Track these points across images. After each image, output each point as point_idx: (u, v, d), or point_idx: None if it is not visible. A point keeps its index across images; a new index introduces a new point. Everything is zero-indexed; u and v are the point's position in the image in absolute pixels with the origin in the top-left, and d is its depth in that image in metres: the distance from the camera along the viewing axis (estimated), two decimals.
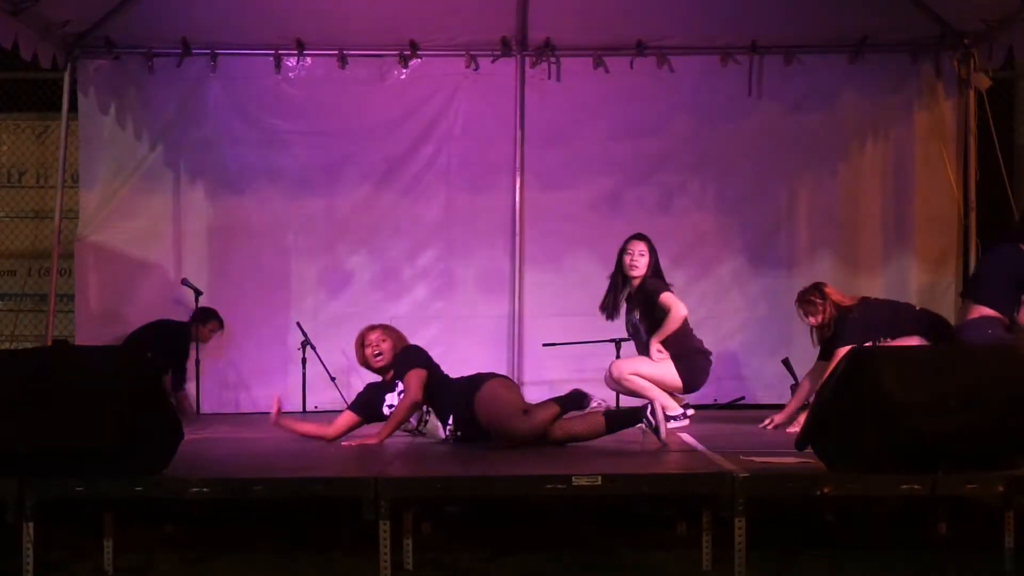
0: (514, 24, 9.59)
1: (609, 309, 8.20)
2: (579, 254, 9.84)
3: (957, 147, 9.73)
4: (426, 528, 5.98)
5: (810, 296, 7.70)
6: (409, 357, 7.15)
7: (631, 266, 8.01)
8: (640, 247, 8.03)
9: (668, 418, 7.47)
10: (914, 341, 7.43)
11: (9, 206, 10.93)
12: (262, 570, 5.67)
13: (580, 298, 9.52)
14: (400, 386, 7.04)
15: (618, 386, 8.02)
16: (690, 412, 7.92)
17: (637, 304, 8.03)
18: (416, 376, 7.00)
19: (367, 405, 7.18)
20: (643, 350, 7.99)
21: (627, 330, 8.21)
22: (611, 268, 9.40)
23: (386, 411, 7.08)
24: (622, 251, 8.09)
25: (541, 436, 6.77)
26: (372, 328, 7.26)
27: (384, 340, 7.16)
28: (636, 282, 8.04)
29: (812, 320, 7.67)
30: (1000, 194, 9.25)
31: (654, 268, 8.04)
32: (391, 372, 7.15)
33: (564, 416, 6.88)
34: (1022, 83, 10.50)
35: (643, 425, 6.73)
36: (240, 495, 5.55)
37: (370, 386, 7.28)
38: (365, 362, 7.22)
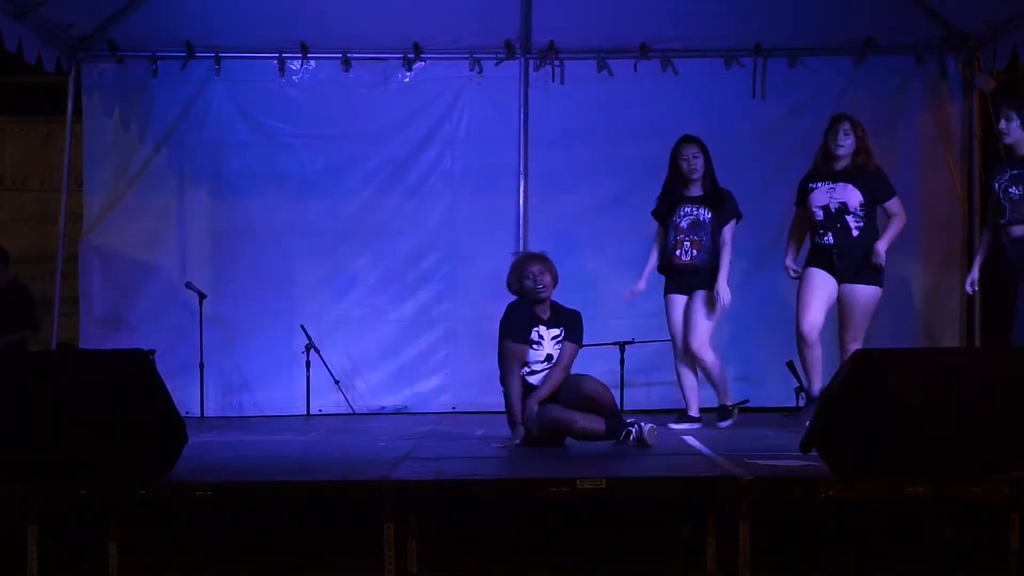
0: (518, 27, 9.59)
1: (663, 215, 8.24)
2: (584, 257, 9.83)
3: (961, 149, 9.73)
4: (431, 531, 5.98)
5: (855, 122, 7.76)
6: (579, 326, 7.35)
7: (690, 170, 8.06)
8: (693, 149, 8.08)
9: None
10: None
11: (14, 209, 10.94)
12: (267, 573, 5.66)
13: (585, 301, 9.48)
14: (558, 332, 7.24)
15: (694, 359, 8.14)
16: (697, 426, 8.11)
17: (707, 204, 8.08)
18: (575, 352, 7.29)
19: (525, 330, 7.25)
20: (701, 249, 8.05)
21: (678, 225, 8.11)
22: (616, 270, 9.48)
23: (534, 335, 7.20)
24: (675, 157, 8.13)
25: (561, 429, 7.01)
26: (532, 259, 7.33)
27: (545, 272, 7.24)
28: (698, 185, 8.11)
29: (842, 143, 7.68)
30: None
31: (712, 171, 8.13)
32: (549, 311, 7.29)
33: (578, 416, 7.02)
34: None
35: (633, 433, 6.90)
36: (245, 499, 5.55)
37: (514, 309, 7.33)
38: (525, 292, 7.27)
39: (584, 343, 8.82)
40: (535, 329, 7.21)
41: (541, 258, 7.31)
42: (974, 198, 9.61)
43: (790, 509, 5.91)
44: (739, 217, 8.15)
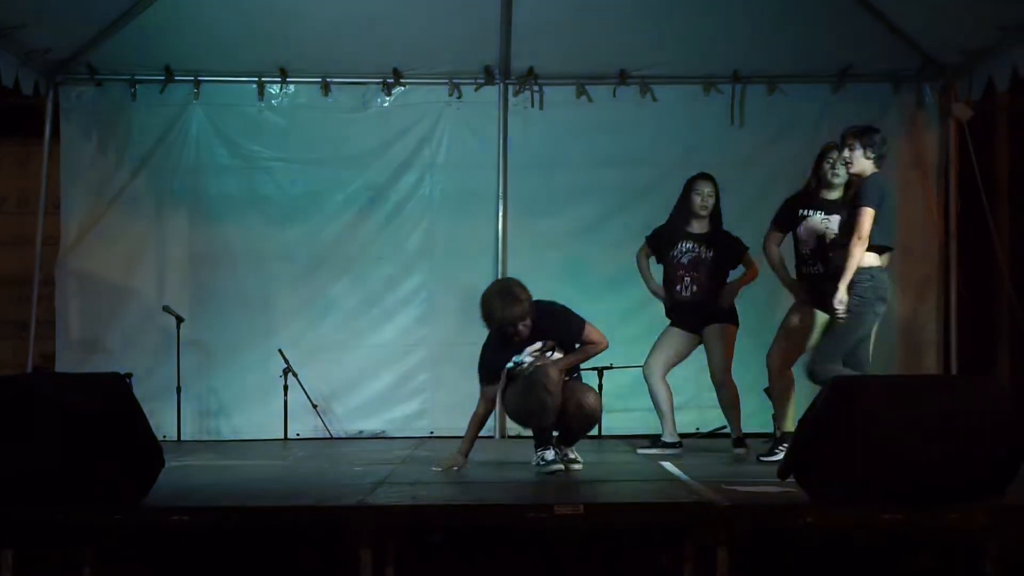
0: (497, 53, 9.62)
1: (662, 246, 8.28)
2: (562, 281, 9.80)
3: (938, 177, 9.79)
4: (409, 556, 5.94)
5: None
6: (567, 320, 7.17)
7: (703, 206, 8.15)
8: (709, 188, 8.17)
9: (665, 446, 8.12)
10: None
11: None
12: None
13: None
14: (540, 344, 7.07)
15: (720, 390, 8.22)
16: (678, 451, 8.17)
17: (710, 243, 8.16)
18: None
19: (497, 371, 7.16)
20: (701, 286, 8.13)
21: (679, 260, 8.19)
22: (594, 295, 9.44)
23: (510, 365, 7.11)
24: (690, 191, 8.18)
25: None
26: (513, 309, 6.94)
27: (525, 327, 7.02)
28: (704, 222, 8.19)
29: (839, 172, 7.54)
30: (980, 224, 9.29)
31: (719, 212, 8.26)
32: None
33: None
34: (1002, 113, 10.55)
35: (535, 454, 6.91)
36: (221, 524, 5.52)
37: (489, 352, 7.22)
38: (510, 338, 7.08)
39: None
40: (512, 360, 7.14)
41: (521, 305, 6.98)
42: (950, 225, 9.66)
43: (768, 534, 5.90)
44: (747, 248, 8.24)
